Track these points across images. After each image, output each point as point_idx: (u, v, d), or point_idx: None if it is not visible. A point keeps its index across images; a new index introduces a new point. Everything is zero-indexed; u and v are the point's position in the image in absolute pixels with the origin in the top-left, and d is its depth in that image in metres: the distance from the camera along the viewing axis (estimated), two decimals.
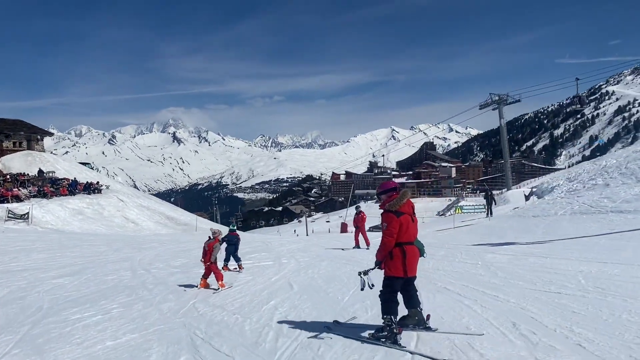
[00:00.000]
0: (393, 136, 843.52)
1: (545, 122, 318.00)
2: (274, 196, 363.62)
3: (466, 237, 16.89)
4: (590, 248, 10.24)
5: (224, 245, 11.18)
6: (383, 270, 5.26)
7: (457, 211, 23.30)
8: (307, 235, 79.17)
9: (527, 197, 27.14)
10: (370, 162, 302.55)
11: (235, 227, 12.59)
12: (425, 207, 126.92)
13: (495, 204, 23.79)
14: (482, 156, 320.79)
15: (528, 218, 19.21)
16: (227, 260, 11.78)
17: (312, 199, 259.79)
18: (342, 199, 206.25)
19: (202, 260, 9.40)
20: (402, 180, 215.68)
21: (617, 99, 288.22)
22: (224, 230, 14.35)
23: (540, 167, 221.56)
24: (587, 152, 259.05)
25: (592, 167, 29.99)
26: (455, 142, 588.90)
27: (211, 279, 9.36)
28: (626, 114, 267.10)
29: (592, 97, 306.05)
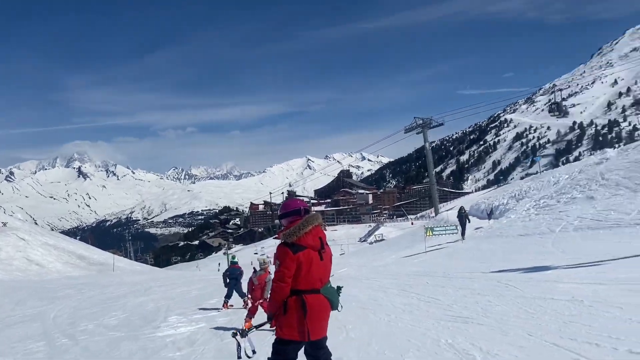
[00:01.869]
0: (309, 165, 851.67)
1: (451, 149, 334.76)
2: (190, 230, 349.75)
3: (456, 262, 14.82)
4: None
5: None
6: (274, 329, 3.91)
7: (427, 233, 21.22)
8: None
9: (489, 216, 25.97)
10: (288, 191, 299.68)
11: (236, 260, 11.87)
12: (347, 233, 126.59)
13: (470, 224, 22.06)
14: (395, 182, 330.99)
15: (513, 237, 17.67)
16: (228, 296, 10.88)
17: (230, 230, 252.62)
18: (262, 229, 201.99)
19: (249, 297, 8.42)
20: (322, 208, 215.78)
21: (514, 126, 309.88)
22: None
23: (450, 191, 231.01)
24: (491, 177, 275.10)
25: (538, 183, 29.65)
26: (369, 170, 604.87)
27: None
28: (524, 140, 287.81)
29: (492, 125, 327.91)
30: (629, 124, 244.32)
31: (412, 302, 8.67)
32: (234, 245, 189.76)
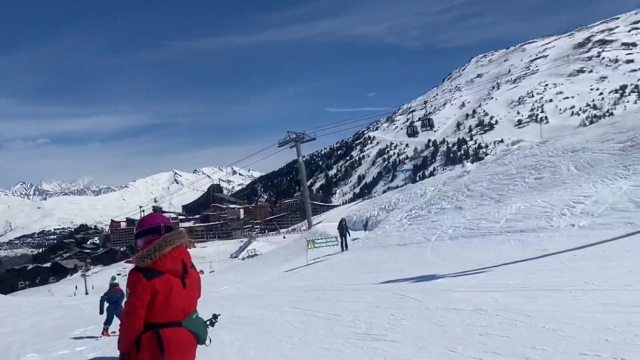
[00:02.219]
0: (176, 180, 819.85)
1: (320, 163, 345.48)
2: (40, 251, 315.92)
3: (341, 274, 14.53)
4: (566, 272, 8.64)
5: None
6: None
7: (309, 246, 20.88)
8: (86, 293, 68.32)
9: (365, 227, 26.46)
10: (153, 207, 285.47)
11: (117, 282, 10.88)
12: (218, 250, 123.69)
13: (350, 236, 22.11)
14: (267, 197, 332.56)
15: (392, 247, 17.98)
16: (108, 322, 10.17)
17: (88, 250, 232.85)
18: (124, 248, 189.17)
19: None
20: (190, 224, 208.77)
21: (377, 143, 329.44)
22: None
23: (320, 204, 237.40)
24: (357, 190, 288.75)
25: (406, 195, 31.14)
26: (240, 185, 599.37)
27: None
28: (385, 156, 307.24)
29: (357, 142, 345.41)
30: (475, 142, 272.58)
31: (311, 320, 8.09)
32: (92, 266, 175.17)
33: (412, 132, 47.85)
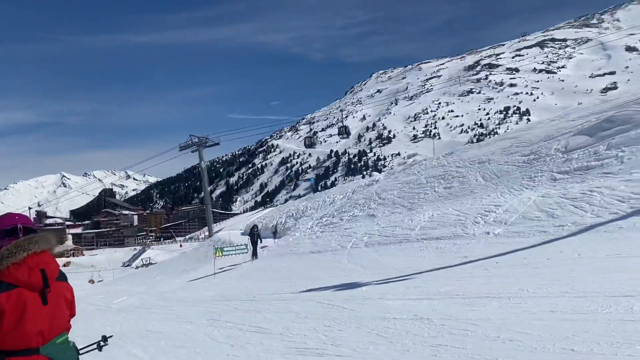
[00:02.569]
0: (64, 183, 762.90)
1: (221, 170, 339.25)
2: None
3: (254, 283, 13.70)
4: (510, 276, 8.63)
5: None
6: None
7: (217, 254, 19.77)
8: None
9: (274, 235, 25.77)
10: (37, 211, 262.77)
11: None
12: (109, 258, 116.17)
13: (261, 243, 21.23)
14: (163, 203, 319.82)
15: (305, 254, 17.49)
16: None
17: None
18: None
19: None
20: (78, 230, 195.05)
21: (280, 152, 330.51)
22: None
23: (220, 212, 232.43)
24: (259, 198, 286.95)
25: (314, 203, 30.99)
26: (134, 190, 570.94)
27: None
28: (288, 165, 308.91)
29: (260, 149, 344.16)
30: (374, 154, 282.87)
31: (236, 335, 7.32)
32: None
33: (309, 144, 48.39)
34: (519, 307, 5.98)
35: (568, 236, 10.37)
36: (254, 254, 19.81)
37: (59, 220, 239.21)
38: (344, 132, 36.24)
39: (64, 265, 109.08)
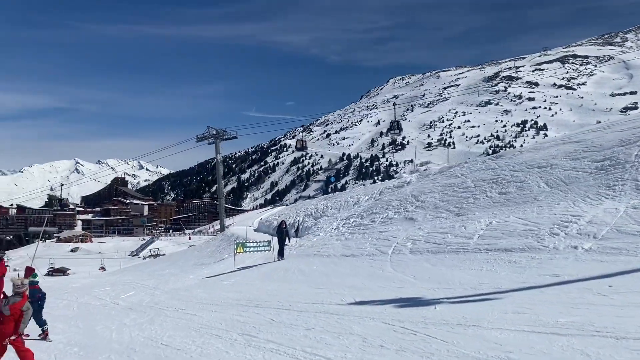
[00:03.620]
0: (77, 169, 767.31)
1: (233, 166, 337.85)
2: None
3: (282, 287, 11.72)
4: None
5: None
6: None
7: (238, 250, 17.79)
8: None
9: (296, 234, 23.80)
10: (49, 195, 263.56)
11: (37, 280, 10.02)
12: (117, 246, 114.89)
13: (290, 242, 19.18)
14: (174, 195, 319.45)
15: (337, 258, 15.45)
16: (41, 324, 9.14)
17: None
18: (11, 237, 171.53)
19: None
20: (89, 217, 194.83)
21: (292, 151, 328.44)
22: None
23: (230, 207, 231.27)
24: (269, 196, 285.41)
25: (335, 203, 28.98)
26: (146, 180, 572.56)
27: None
28: (300, 165, 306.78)
29: (273, 148, 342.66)
30: (387, 160, 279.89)
31: None
32: None
33: (300, 147, 46.47)
34: None
35: None
36: (280, 254, 17.75)
37: (70, 205, 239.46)
38: (396, 127, 34.73)
39: (72, 251, 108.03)
